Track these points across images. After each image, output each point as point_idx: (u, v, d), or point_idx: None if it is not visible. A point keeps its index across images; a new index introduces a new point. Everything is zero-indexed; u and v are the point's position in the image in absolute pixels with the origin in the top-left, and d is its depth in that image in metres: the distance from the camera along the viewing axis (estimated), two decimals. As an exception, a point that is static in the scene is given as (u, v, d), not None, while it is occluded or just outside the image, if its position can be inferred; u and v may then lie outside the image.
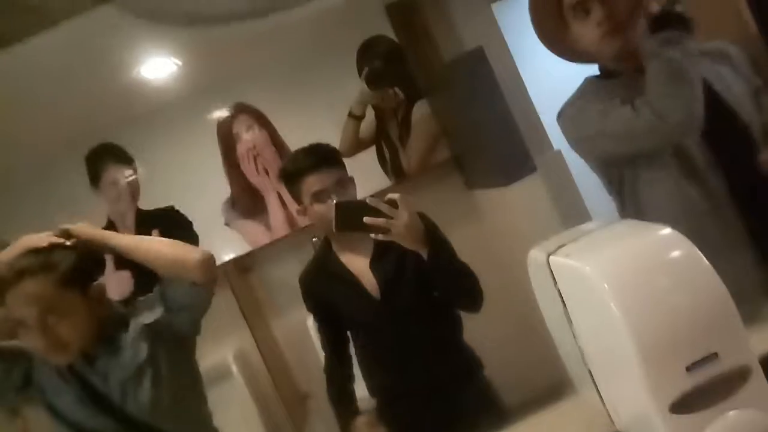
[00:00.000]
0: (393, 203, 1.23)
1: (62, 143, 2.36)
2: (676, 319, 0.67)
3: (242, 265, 2.49)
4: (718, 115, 1.13)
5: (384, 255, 1.44)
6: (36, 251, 1.14)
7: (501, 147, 2.16)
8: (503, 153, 2.17)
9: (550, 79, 1.91)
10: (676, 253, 0.71)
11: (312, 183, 1.40)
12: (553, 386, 1.09)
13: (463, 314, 1.51)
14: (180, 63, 2.11)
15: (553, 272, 0.80)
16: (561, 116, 1.25)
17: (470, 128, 2.29)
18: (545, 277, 0.83)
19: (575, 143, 1.24)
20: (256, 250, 2.47)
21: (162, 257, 1.20)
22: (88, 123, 2.32)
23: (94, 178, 2.43)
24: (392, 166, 2.51)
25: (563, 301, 0.80)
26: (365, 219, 1.21)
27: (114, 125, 2.39)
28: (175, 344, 1.25)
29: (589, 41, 1.16)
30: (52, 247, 1.15)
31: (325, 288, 1.43)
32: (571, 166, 2.42)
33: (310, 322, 2.38)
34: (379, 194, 1.27)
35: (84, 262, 1.18)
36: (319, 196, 1.40)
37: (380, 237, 1.24)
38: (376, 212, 1.22)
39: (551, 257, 0.80)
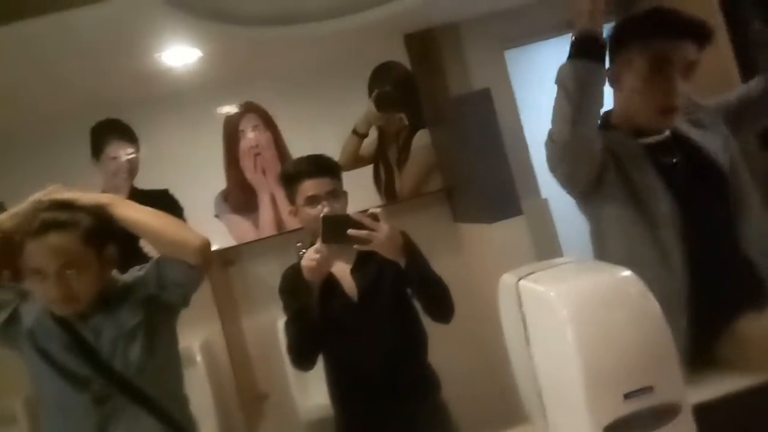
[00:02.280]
0: (375, 217, 1.35)
1: (71, 112, 2.40)
2: (623, 350, 0.75)
3: (225, 257, 2.53)
4: (698, 171, 1.22)
5: (365, 264, 1.52)
6: (59, 207, 1.19)
7: (492, 186, 2.25)
8: (493, 192, 2.25)
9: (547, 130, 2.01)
10: (632, 294, 0.79)
11: (308, 187, 1.50)
12: (507, 415, 1.15)
13: (429, 334, 1.58)
14: (201, 54, 2.18)
15: (521, 295, 0.88)
16: None
17: (465, 164, 2.38)
18: (513, 300, 0.90)
19: None
20: (240, 246, 2.52)
21: (163, 237, 1.23)
22: (101, 97, 2.36)
23: (96, 151, 2.47)
24: (386, 187, 2.59)
25: (525, 324, 0.88)
26: (349, 231, 1.32)
27: (125, 103, 2.45)
28: (165, 314, 1.30)
29: (635, 85, 1.24)
30: (74, 206, 1.20)
31: (306, 284, 1.48)
32: (556, 216, 2.53)
33: (280, 323, 2.43)
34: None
35: (102, 224, 1.22)
36: (311, 201, 1.50)
37: (363, 248, 1.35)
38: (359, 225, 1.33)
39: (521, 281, 0.88)
